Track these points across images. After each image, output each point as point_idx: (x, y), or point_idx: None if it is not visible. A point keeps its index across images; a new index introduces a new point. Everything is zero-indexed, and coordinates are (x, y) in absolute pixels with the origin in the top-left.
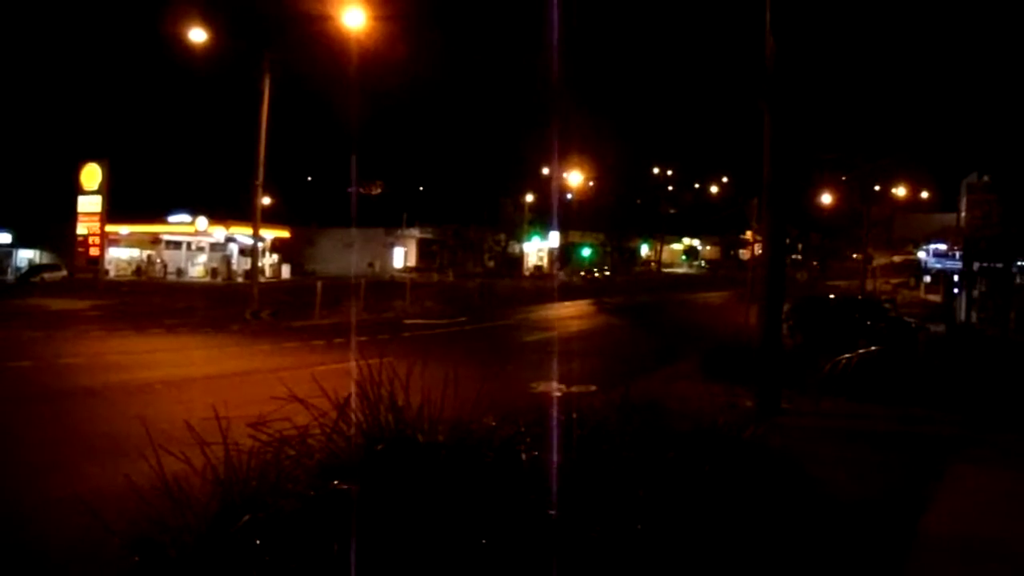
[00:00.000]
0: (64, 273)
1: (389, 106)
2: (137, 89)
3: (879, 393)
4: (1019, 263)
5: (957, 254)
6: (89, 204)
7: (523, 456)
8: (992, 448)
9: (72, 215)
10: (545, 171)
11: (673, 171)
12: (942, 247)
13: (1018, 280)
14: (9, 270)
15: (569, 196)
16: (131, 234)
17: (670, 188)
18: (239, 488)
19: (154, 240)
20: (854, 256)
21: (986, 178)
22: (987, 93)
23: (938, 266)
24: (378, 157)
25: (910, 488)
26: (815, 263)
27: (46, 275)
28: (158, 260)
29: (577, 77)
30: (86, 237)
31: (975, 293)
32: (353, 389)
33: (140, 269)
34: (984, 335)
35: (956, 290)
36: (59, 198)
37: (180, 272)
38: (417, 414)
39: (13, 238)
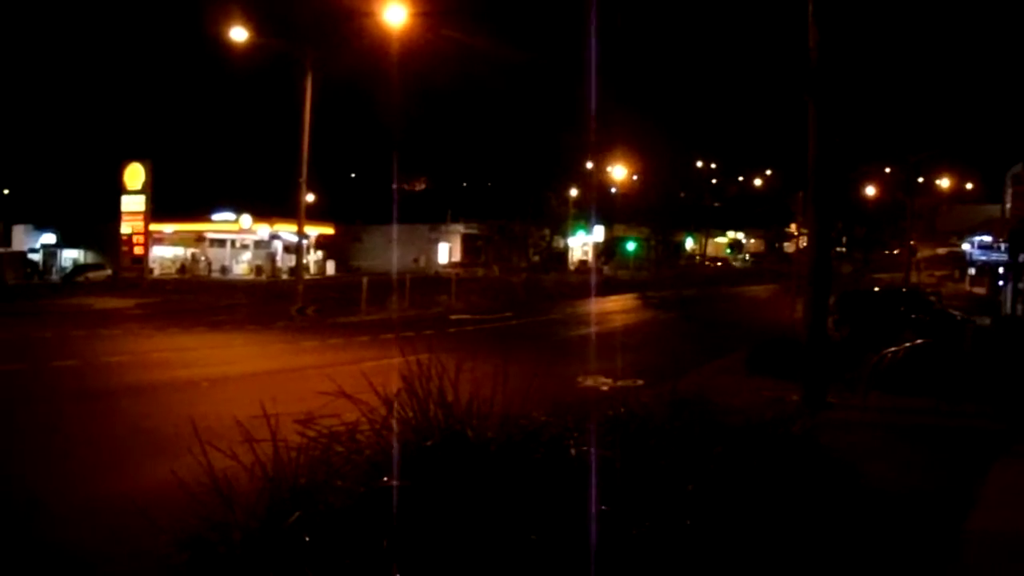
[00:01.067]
0: (108, 272)
1: (432, 102)
2: (180, 88)
3: (926, 387)
4: None
5: (1002, 246)
6: (133, 203)
7: (572, 451)
8: None
9: (116, 215)
10: (589, 165)
11: (717, 164)
12: (987, 239)
13: None
14: (54, 270)
15: (613, 190)
16: (175, 232)
17: (714, 181)
18: (288, 485)
19: (198, 238)
20: (897, 250)
21: None
22: None
23: (983, 258)
24: (422, 153)
25: (958, 484)
26: (859, 255)
27: (91, 274)
28: (202, 258)
29: (621, 70)
30: (130, 236)
31: (1021, 285)
32: (401, 385)
33: (184, 267)
34: None
35: (1001, 282)
36: (103, 198)
37: (224, 270)
38: (466, 409)
39: (58, 238)
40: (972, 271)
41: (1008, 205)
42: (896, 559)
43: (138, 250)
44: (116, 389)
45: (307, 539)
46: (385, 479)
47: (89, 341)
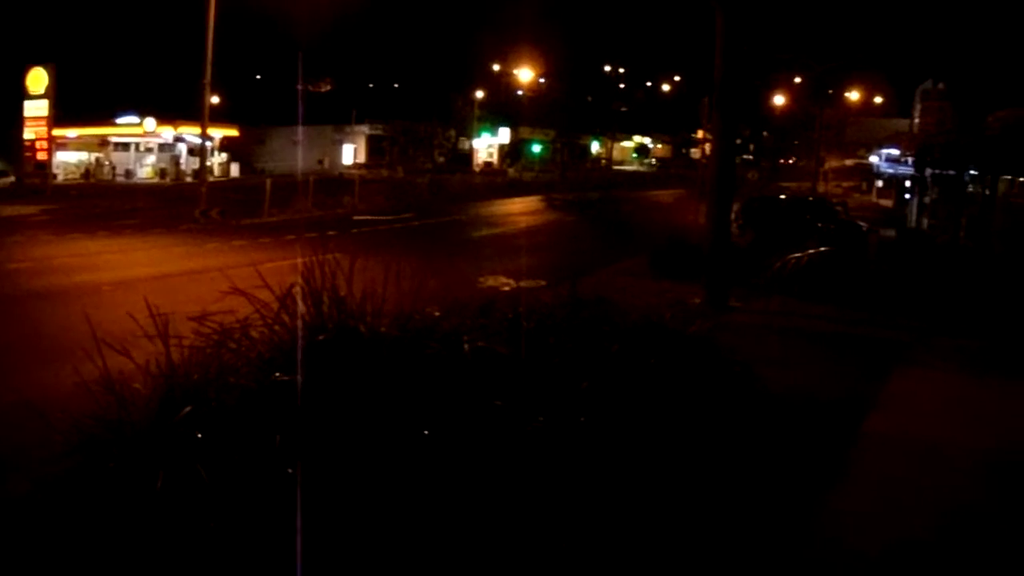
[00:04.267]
0: (11, 179)
1: (337, 1)
2: None
3: (828, 294)
4: (971, 171)
5: (909, 160)
6: (36, 108)
7: (466, 347)
8: (937, 351)
9: (18, 120)
10: (496, 67)
11: (625, 69)
12: (895, 152)
13: (970, 188)
14: None
15: (519, 92)
16: (79, 137)
17: (622, 86)
18: (181, 382)
19: (102, 143)
20: (805, 160)
21: (941, 85)
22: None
23: (890, 171)
24: (327, 54)
25: (856, 388)
26: (767, 164)
27: None
28: (107, 162)
29: None
30: (33, 142)
31: (927, 199)
32: (298, 282)
33: (89, 172)
34: (934, 241)
35: (908, 196)
36: (5, 104)
37: (129, 174)
38: (360, 306)
39: None
40: (879, 183)
41: (917, 120)
42: (791, 458)
43: (41, 155)
44: (18, 295)
45: (199, 436)
46: (277, 375)
47: None
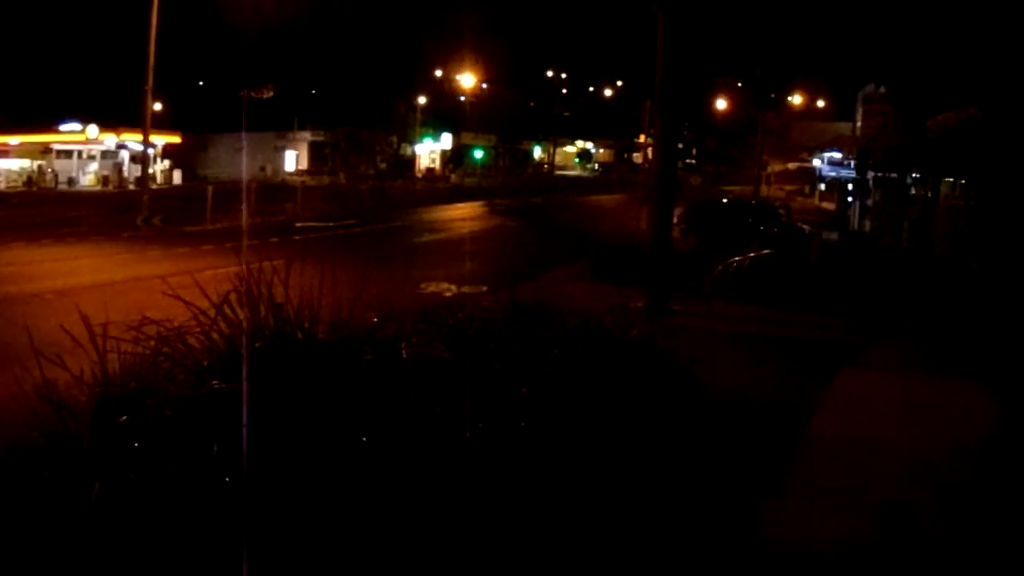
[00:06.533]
0: None
1: (280, 8)
2: None
3: (771, 297)
4: (913, 174)
5: (852, 163)
6: None
7: (404, 354)
8: (880, 353)
9: None
10: (438, 73)
11: (567, 74)
12: (837, 155)
13: (912, 191)
14: None
15: (462, 98)
16: (21, 144)
17: (564, 91)
18: (117, 391)
19: (45, 150)
20: (749, 160)
21: (882, 89)
22: (886, 4)
23: (833, 174)
24: (269, 60)
25: (799, 391)
26: (710, 168)
27: None
28: (49, 170)
29: None
30: None
31: (869, 202)
32: (237, 289)
33: (31, 179)
34: (877, 243)
35: (850, 198)
36: None
37: (71, 181)
38: (297, 312)
39: None
40: (822, 187)
41: (859, 124)
42: (734, 461)
43: None
44: None
45: (136, 445)
46: (214, 383)
47: None
